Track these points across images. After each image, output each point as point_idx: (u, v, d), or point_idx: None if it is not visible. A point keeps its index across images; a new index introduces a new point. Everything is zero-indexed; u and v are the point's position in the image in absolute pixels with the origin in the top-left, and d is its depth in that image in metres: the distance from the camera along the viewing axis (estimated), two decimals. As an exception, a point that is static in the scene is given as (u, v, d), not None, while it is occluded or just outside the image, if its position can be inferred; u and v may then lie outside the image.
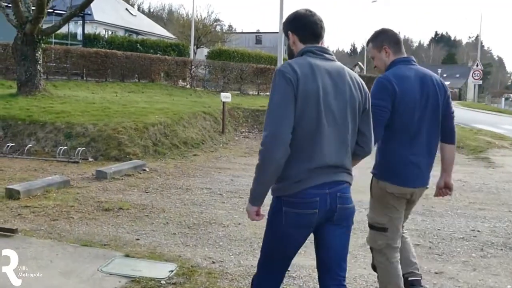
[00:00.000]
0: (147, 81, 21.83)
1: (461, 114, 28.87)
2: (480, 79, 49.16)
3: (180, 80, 23.53)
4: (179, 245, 4.49)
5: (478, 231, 5.29)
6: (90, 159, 8.95)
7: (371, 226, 3.17)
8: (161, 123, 10.59)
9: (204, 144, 11.21)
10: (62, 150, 8.80)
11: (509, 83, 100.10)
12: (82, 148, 8.94)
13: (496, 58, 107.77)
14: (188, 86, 23.41)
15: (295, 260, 3.93)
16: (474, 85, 50.38)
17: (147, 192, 6.65)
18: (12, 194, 5.79)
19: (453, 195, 7.17)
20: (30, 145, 9.14)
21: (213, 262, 4.07)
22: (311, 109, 2.26)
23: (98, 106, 11.75)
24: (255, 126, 14.53)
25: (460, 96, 66.16)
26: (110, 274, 3.64)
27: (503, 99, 53.71)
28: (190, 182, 7.42)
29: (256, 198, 2.35)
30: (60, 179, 6.71)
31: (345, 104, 2.36)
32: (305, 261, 4.00)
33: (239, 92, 23.58)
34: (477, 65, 47.16)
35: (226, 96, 12.59)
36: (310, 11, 2.47)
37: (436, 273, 4.05)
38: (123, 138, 9.60)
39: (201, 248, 4.44)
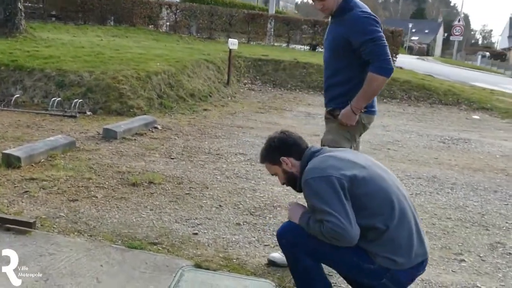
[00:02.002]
0: (128, 25, 20.00)
1: (449, 71, 28.20)
2: (461, 35, 48.84)
3: (161, 25, 21.76)
4: (255, 244, 3.39)
5: None
6: (88, 113, 7.60)
7: None
8: (165, 72, 9.21)
9: (212, 97, 9.94)
10: (55, 101, 7.42)
11: (473, 41, 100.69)
12: (79, 100, 7.57)
13: (462, 15, 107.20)
14: (172, 32, 21.67)
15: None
16: (444, 39, 50.08)
17: (172, 158, 5.46)
18: (11, 162, 4.51)
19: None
20: (17, 95, 7.67)
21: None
22: (376, 191, 2.25)
23: (89, 51, 10.21)
24: (257, 77, 13.26)
25: (428, 52, 65.85)
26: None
27: (479, 56, 53.84)
28: (217, 145, 6.25)
29: (305, 228, 2.32)
30: (65, 140, 5.42)
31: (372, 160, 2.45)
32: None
33: (228, 38, 22.06)
34: (458, 21, 46.57)
35: (233, 43, 11.17)
36: (283, 132, 2.50)
37: None
38: (125, 88, 8.23)
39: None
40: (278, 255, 3.01)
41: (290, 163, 2.42)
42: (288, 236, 2.35)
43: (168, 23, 22.21)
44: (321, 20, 21.95)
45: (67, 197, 3.98)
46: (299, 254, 2.32)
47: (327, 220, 2.15)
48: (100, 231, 3.37)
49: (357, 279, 2.40)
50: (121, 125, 6.48)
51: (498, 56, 51.99)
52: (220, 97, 10.22)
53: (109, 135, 6.15)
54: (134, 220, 3.63)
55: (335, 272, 2.58)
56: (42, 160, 4.83)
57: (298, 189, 2.42)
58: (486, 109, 11.78)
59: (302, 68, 13.76)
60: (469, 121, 10.40)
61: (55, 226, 3.40)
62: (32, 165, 4.65)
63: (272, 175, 2.56)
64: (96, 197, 4.05)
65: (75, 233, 3.30)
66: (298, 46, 22.34)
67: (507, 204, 4.76)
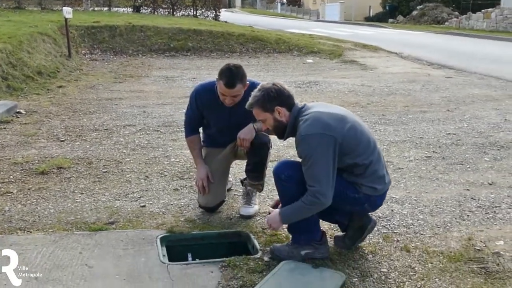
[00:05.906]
0: None
1: (261, 20, 30.09)
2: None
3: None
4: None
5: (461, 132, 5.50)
6: None
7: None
8: (2, 50, 8.32)
9: (60, 72, 9.29)
10: None
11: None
12: None
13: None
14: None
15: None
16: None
17: (62, 141, 5.18)
18: None
19: (381, 99, 7.40)
20: None
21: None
22: (359, 137, 2.67)
23: None
24: (95, 46, 12.62)
25: (230, 4, 68.94)
26: (185, 265, 2.71)
27: (278, 4, 57.88)
28: (98, 121, 6.05)
29: (289, 221, 2.72)
30: None
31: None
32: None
33: (40, 7, 20.22)
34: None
35: (68, 12, 10.42)
36: (277, 85, 2.68)
37: (490, 184, 4.01)
38: (-39, 74, 7.30)
39: (235, 202, 3.61)
40: (246, 208, 3.34)
41: (282, 113, 2.64)
42: (285, 171, 2.66)
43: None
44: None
45: (-22, 199, 3.63)
46: (292, 185, 2.61)
47: (313, 186, 2.48)
48: (45, 224, 3.22)
49: (339, 206, 2.72)
50: (-18, 114, 5.85)
51: (295, 3, 56.57)
52: (68, 72, 9.61)
53: (-28, 128, 5.54)
54: (72, 206, 3.51)
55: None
56: None
57: (285, 137, 2.72)
58: (315, 53, 13.11)
59: (139, 32, 13.47)
60: (307, 65, 11.51)
61: (-8, 229, 3.14)
62: None
63: (258, 120, 2.76)
64: (12, 192, 3.77)
65: (20, 231, 3.11)
66: (121, 9, 21.52)
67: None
